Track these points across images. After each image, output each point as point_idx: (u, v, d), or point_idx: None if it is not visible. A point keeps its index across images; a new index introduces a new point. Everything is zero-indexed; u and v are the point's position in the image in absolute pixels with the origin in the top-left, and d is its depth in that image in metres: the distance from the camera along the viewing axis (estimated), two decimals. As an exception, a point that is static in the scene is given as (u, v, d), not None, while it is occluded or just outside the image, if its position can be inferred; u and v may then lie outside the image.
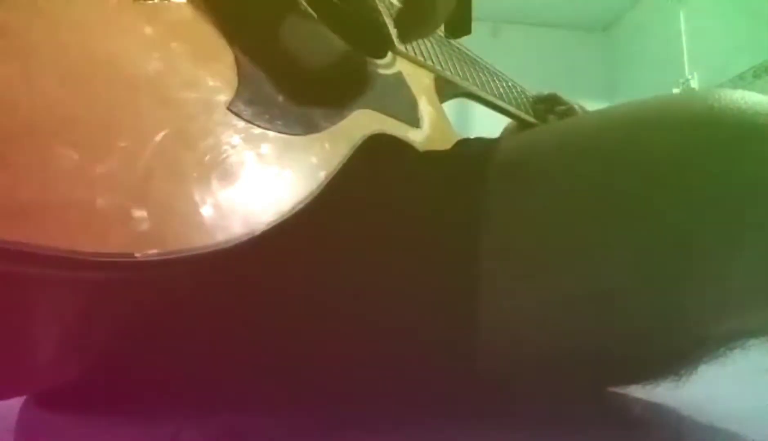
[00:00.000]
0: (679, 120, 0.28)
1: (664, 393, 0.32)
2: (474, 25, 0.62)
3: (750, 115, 0.27)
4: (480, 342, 0.29)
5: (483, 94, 0.63)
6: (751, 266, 0.26)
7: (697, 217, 0.26)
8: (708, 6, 2.59)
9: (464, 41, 0.63)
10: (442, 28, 0.49)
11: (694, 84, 2.60)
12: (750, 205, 0.26)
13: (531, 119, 0.71)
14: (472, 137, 0.45)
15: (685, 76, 2.66)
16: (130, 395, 0.31)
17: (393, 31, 0.47)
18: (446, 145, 0.42)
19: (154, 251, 0.19)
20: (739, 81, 2.32)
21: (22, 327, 0.20)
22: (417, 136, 0.41)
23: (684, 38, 2.74)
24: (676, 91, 2.62)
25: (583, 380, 0.32)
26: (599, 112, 0.33)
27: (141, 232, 0.19)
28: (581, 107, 0.74)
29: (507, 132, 0.75)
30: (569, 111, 0.73)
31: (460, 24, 0.53)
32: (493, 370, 0.30)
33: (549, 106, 0.75)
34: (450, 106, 0.57)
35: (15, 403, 0.34)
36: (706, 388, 0.31)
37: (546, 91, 0.78)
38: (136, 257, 0.19)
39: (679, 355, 0.30)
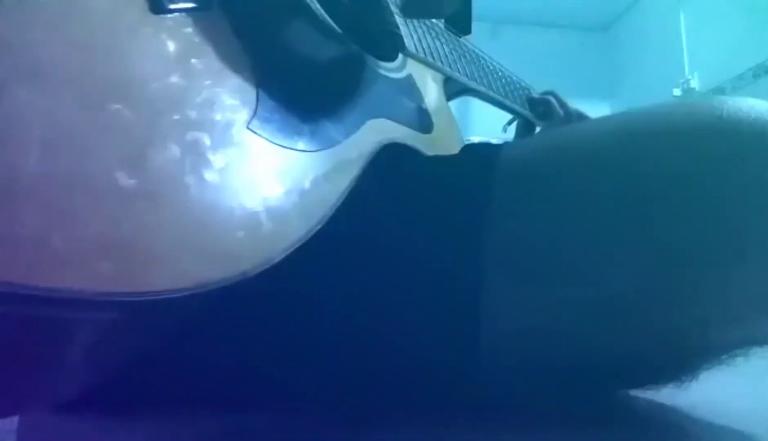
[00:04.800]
0: (686, 129, 0.28)
1: (667, 394, 0.32)
2: (474, 25, 0.62)
3: (758, 126, 0.27)
4: (484, 344, 0.29)
5: (491, 94, 0.63)
6: (754, 276, 0.26)
7: (701, 225, 0.26)
8: (708, 6, 2.59)
9: (462, 40, 0.63)
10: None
11: (694, 84, 2.60)
12: (757, 214, 0.26)
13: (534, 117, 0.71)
14: (477, 141, 0.45)
15: (685, 76, 2.66)
16: (131, 396, 0.31)
17: (404, 32, 0.47)
18: (453, 147, 0.42)
19: (185, 286, 0.19)
20: (739, 81, 2.32)
21: (44, 360, 0.20)
22: (427, 142, 0.41)
23: (684, 38, 2.74)
24: (676, 91, 2.62)
25: (584, 383, 0.32)
26: (605, 119, 0.33)
27: (172, 269, 0.19)
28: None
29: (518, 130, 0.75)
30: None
31: (460, 24, 0.53)
32: (497, 372, 0.30)
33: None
34: (451, 105, 0.57)
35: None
36: (708, 389, 0.31)
37: (545, 91, 0.78)
38: (168, 295, 0.18)
39: (681, 362, 0.30)
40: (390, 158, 0.33)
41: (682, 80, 2.65)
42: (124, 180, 0.19)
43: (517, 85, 0.72)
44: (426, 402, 0.32)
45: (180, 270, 0.19)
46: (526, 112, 0.71)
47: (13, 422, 0.33)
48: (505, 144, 0.39)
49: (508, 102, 0.67)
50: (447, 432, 0.30)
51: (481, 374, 0.30)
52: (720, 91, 2.36)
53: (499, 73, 0.68)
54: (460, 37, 0.61)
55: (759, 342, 0.29)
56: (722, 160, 0.27)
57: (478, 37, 0.64)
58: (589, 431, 0.30)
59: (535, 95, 0.73)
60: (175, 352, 0.29)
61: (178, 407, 0.31)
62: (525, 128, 0.73)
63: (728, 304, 0.27)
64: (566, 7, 3.10)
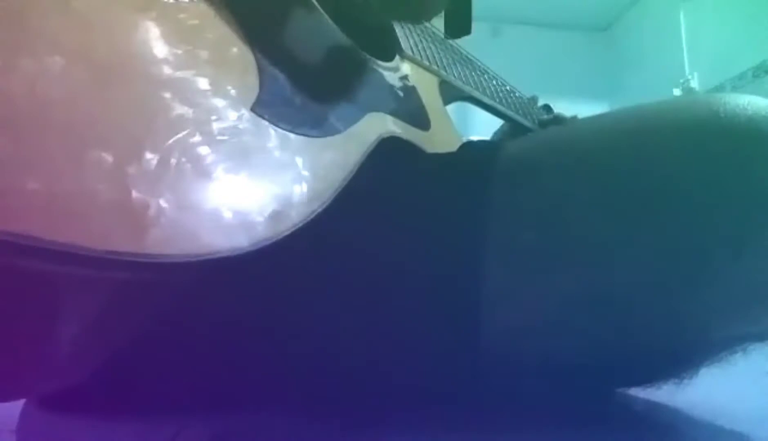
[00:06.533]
0: (686, 126, 0.28)
1: (666, 393, 0.32)
2: (474, 25, 0.62)
3: (757, 121, 0.27)
4: (483, 342, 0.29)
5: (484, 99, 0.64)
6: (755, 271, 0.26)
7: (702, 222, 0.26)
8: (708, 6, 2.60)
9: (464, 41, 0.63)
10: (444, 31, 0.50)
11: (694, 84, 2.60)
12: (755, 210, 0.26)
13: (528, 124, 0.72)
14: (477, 140, 0.45)
15: (685, 76, 2.66)
16: (131, 395, 0.31)
17: (400, 34, 0.47)
18: (450, 148, 0.43)
19: (189, 252, 0.19)
20: (739, 81, 2.32)
21: (43, 327, 0.20)
22: (425, 139, 0.41)
23: (684, 38, 2.74)
24: (676, 91, 2.63)
25: (584, 381, 0.32)
26: (605, 116, 0.33)
27: (174, 233, 0.19)
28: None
29: (501, 134, 0.75)
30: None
31: (460, 24, 0.53)
32: (496, 370, 0.30)
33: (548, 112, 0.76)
34: (450, 108, 0.57)
35: (16, 404, 0.34)
36: (707, 388, 0.31)
37: (546, 92, 0.78)
38: (171, 258, 0.19)
39: (681, 359, 0.30)
40: (389, 153, 0.33)
41: (682, 80, 2.65)
42: (129, 153, 0.19)
43: (512, 93, 0.72)
44: (425, 401, 0.32)
45: (181, 238, 0.19)
46: (521, 119, 0.71)
47: (13, 422, 0.33)
48: (504, 141, 0.39)
49: (502, 108, 0.67)
50: (446, 432, 0.30)
51: (480, 372, 0.30)
52: (720, 90, 2.36)
53: (494, 81, 0.69)
54: (459, 37, 0.61)
55: (758, 338, 0.29)
56: (720, 155, 0.27)
57: (478, 37, 0.64)
58: (588, 431, 0.30)
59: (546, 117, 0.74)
60: (178, 339, 0.29)
61: (178, 407, 0.31)
62: (513, 135, 0.74)
63: (727, 299, 0.27)
64: (566, 7, 3.11)
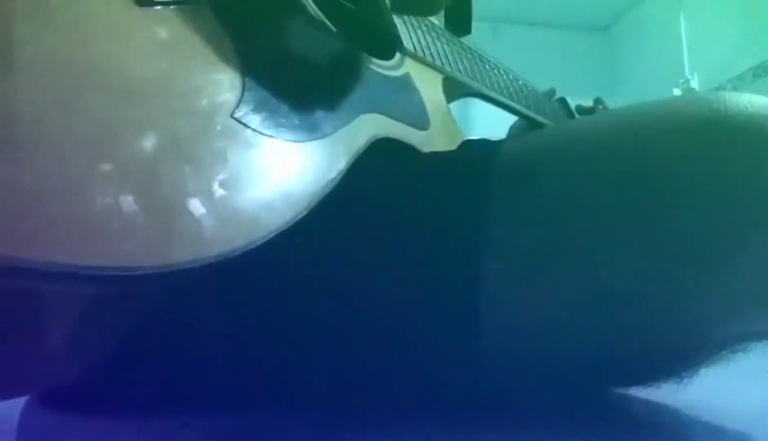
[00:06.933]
0: (687, 124, 0.28)
1: (665, 393, 0.32)
2: (474, 25, 0.62)
3: (757, 119, 0.27)
4: (483, 343, 0.29)
5: (494, 95, 0.62)
6: (756, 270, 0.26)
7: (703, 221, 0.26)
8: (708, 6, 2.60)
9: (464, 41, 0.63)
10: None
11: (694, 84, 2.60)
12: (756, 208, 0.26)
13: (542, 119, 0.71)
14: (475, 138, 0.45)
15: (685, 76, 2.66)
16: (131, 395, 0.31)
17: (403, 31, 0.47)
18: (450, 147, 0.42)
19: (156, 264, 0.19)
20: (739, 81, 2.32)
21: (22, 336, 0.20)
22: (423, 139, 0.41)
23: (684, 38, 2.74)
24: (676, 91, 2.63)
25: (584, 381, 0.32)
26: (605, 115, 0.33)
27: (142, 245, 0.19)
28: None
29: (514, 131, 0.74)
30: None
31: (460, 24, 0.53)
32: (496, 371, 0.30)
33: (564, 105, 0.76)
34: (451, 106, 0.57)
35: (17, 404, 0.34)
36: (707, 388, 0.31)
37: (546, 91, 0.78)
38: (137, 272, 0.19)
39: (681, 358, 0.30)
40: (380, 154, 0.33)
41: (682, 80, 2.65)
42: (101, 162, 0.19)
43: (525, 87, 0.71)
44: (425, 401, 0.32)
45: (150, 248, 0.19)
46: (533, 115, 0.70)
47: (13, 421, 0.33)
48: (504, 140, 0.39)
49: (514, 104, 0.66)
50: (446, 431, 0.30)
51: (479, 373, 0.30)
52: (720, 91, 2.36)
53: (505, 76, 0.67)
54: (459, 37, 0.61)
55: (759, 336, 0.29)
56: (721, 154, 0.27)
57: (478, 37, 0.63)
58: (587, 431, 0.30)
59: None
60: (165, 343, 0.29)
61: (178, 406, 0.31)
62: (529, 130, 0.72)
63: (729, 297, 0.27)
64: (566, 7, 3.11)
